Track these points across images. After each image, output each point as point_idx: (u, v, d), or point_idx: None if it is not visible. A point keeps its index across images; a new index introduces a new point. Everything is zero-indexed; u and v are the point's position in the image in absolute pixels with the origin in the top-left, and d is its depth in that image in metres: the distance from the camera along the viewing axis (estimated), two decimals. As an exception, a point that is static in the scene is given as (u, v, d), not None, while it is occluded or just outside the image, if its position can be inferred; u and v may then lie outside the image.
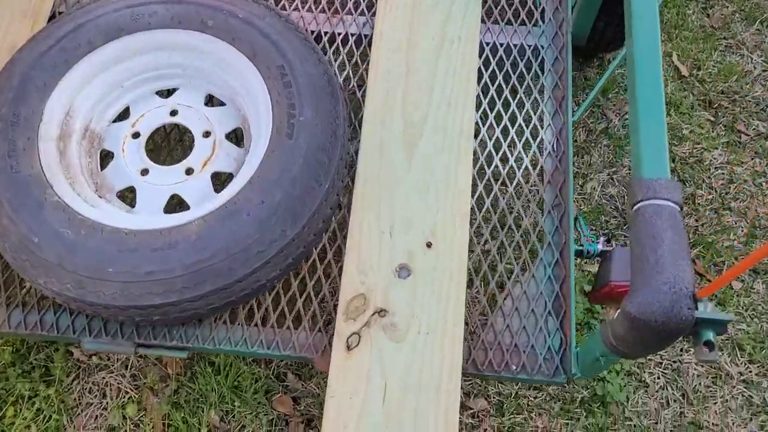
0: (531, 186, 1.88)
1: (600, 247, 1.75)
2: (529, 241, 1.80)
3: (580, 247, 1.76)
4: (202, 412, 2.13)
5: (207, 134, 1.84)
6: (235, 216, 1.57)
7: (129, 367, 2.20)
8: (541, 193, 1.86)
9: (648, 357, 2.26)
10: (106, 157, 1.86)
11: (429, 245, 1.73)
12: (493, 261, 1.80)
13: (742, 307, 2.33)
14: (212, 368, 2.18)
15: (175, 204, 1.82)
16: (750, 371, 2.22)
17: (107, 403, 2.15)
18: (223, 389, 2.15)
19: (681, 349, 2.27)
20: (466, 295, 1.68)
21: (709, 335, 1.18)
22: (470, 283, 1.77)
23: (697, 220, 2.52)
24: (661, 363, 2.25)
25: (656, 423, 2.15)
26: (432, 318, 1.65)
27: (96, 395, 2.16)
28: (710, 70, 2.85)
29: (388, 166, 1.83)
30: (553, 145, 1.93)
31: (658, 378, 2.23)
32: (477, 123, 1.94)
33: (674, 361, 2.25)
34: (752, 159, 2.65)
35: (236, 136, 1.92)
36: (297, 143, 1.65)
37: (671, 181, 1.25)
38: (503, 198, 1.87)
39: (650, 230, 1.21)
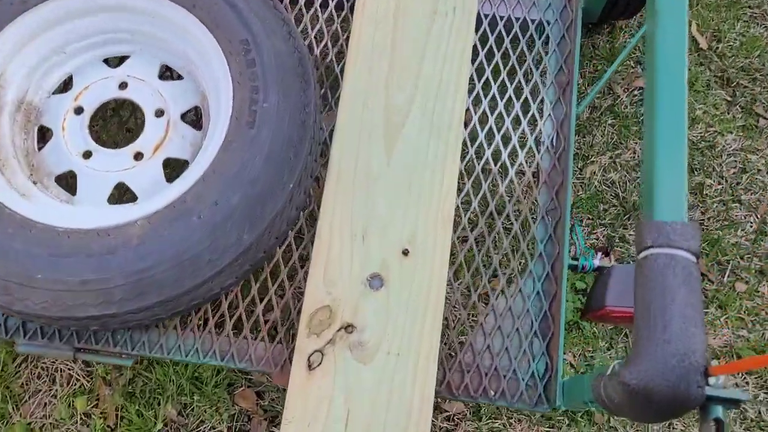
0: (525, 186, 1.67)
1: (597, 262, 1.56)
2: (518, 251, 1.61)
3: (575, 261, 1.57)
4: (159, 404, 1.98)
5: (160, 113, 1.61)
6: (185, 218, 1.37)
7: (81, 352, 2.04)
8: (534, 195, 1.66)
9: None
10: (47, 134, 1.64)
11: (405, 253, 1.54)
12: (477, 271, 1.62)
13: (745, 312, 2.17)
14: (171, 357, 2.02)
15: (124, 192, 1.62)
16: (747, 383, 2.08)
17: (57, 390, 2.00)
18: (182, 381, 2.00)
19: (675, 355, 2.12)
20: (444, 311, 1.51)
21: (719, 411, 1.01)
22: (449, 296, 1.60)
23: (703, 213, 2.33)
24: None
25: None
26: (405, 337, 1.48)
27: (45, 381, 2.01)
28: (731, 44, 2.60)
29: (366, 157, 1.62)
30: (552, 139, 1.71)
31: (648, 385, 2.09)
32: (468, 109, 1.72)
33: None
34: (768, 146, 2.44)
35: (196, 115, 1.70)
36: (259, 134, 1.43)
37: (689, 225, 1.05)
38: (492, 199, 1.66)
39: (660, 286, 1.02)
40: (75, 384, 2.00)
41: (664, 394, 0.98)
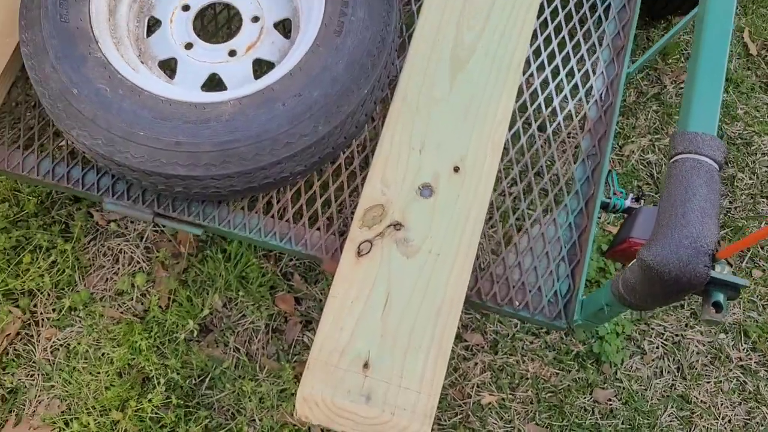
0: (570, 131, 1.84)
1: (628, 203, 1.72)
2: (556, 186, 1.78)
3: (607, 200, 1.73)
4: (207, 294, 2.18)
5: (256, 19, 1.82)
6: (270, 104, 1.57)
7: (144, 239, 2.25)
8: (578, 140, 1.83)
9: (651, 326, 2.25)
10: (153, 26, 1.85)
11: (456, 170, 1.72)
12: (517, 199, 1.79)
13: (758, 296, 2.30)
14: (223, 255, 2.22)
15: (214, 85, 1.82)
16: (750, 358, 2.21)
17: (119, 268, 2.21)
18: (230, 277, 2.19)
19: (686, 325, 2.26)
20: (483, 226, 1.68)
21: (719, 297, 1.17)
22: (489, 218, 1.77)
23: (731, 203, 2.47)
24: (663, 334, 2.25)
25: (646, 389, 2.16)
26: (446, 241, 1.66)
27: (109, 259, 2.23)
28: (780, 54, 2.74)
29: (430, 84, 1.80)
30: (601, 93, 1.88)
31: (657, 348, 2.23)
32: (528, 57, 1.89)
33: (676, 334, 2.25)
34: (802, 152, 2.57)
35: (284, 28, 1.90)
36: (344, 42, 1.63)
37: (716, 139, 1.22)
38: (539, 138, 1.83)
39: (684, 183, 1.18)
40: (135, 265, 2.21)
41: (675, 271, 1.14)
